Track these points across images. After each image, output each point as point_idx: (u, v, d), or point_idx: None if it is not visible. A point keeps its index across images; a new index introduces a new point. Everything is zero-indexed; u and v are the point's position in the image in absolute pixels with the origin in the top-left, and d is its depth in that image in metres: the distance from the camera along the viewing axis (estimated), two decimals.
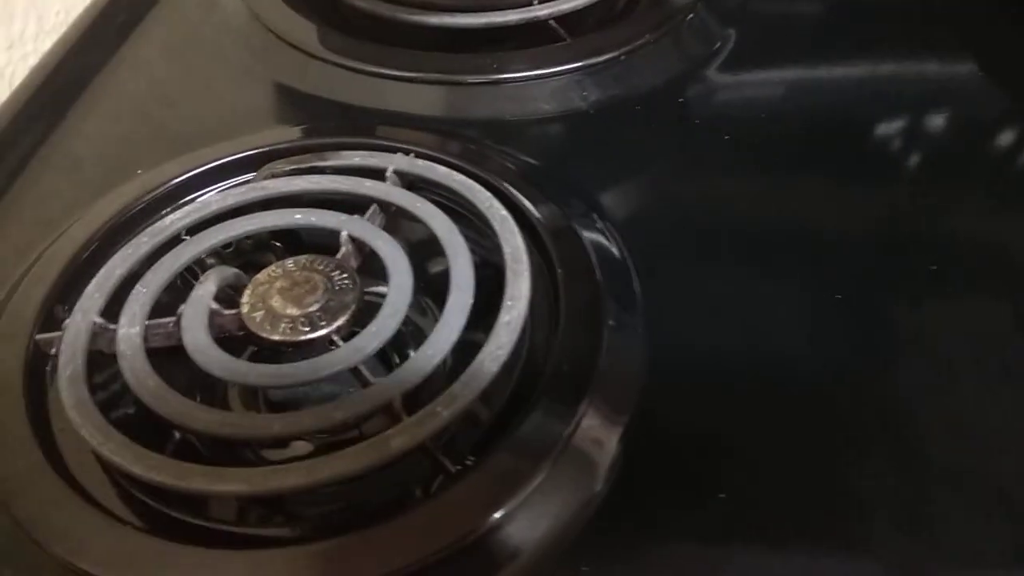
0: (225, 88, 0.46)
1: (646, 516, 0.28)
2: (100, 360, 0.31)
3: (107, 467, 0.28)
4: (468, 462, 0.28)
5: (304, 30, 0.47)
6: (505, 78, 0.44)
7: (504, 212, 0.34)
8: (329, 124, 0.42)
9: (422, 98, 0.44)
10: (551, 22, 0.47)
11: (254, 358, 0.34)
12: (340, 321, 0.30)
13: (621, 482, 0.28)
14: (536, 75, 0.44)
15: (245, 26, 0.49)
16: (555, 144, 0.43)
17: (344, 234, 0.33)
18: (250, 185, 0.36)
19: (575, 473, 0.28)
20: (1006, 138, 0.41)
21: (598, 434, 0.29)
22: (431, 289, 0.36)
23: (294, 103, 0.45)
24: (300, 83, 0.45)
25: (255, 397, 0.34)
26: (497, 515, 0.26)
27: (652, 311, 0.34)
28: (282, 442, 0.31)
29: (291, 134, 0.41)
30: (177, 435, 0.31)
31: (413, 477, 0.29)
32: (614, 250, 0.36)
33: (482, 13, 0.46)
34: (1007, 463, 0.29)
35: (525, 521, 0.27)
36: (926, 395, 0.31)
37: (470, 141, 0.41)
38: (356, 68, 0.45)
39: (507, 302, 0.30)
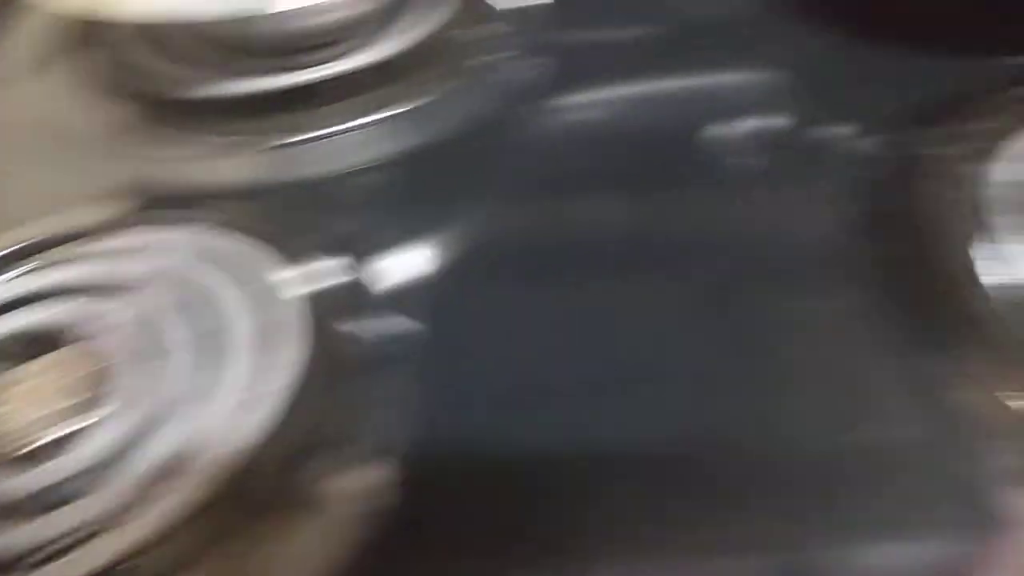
0: (23, 174, 0.44)
1: None
2: None
3: None
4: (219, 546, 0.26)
5: (107, 112, 0.46)
6: (315, 136, 0.43)
7: (277, 277, 0.32)
8: (126, 205, 0.40)
9: (228, 167, 0.42)
10: (363, 72, 0.46)
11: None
12: (69, 428, 0.28)
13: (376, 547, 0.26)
14: (346, 128, 0.43)
15: (48, 110, 0.47)
16: (364, 197, 0.41)
17: (112, 319, 0.31)
18: (21, 279, 0.35)
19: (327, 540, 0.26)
20: (809, 143, 0.41)
21: (353, 501, 0.27)
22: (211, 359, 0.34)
23: (96, 186, 0.43)
24: (102, 166, 0.43)
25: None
26: None
27: (441, 364, 0.32)
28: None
29: (80, 219, 0.39)
30: None
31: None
32: (406, 302, 0.34)
33: (284, 74, 0.44)
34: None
35: None
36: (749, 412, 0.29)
37: (271, 205, 0.39)
38: (161, 146, 0.43)
39: (261, 375, 0.29)
